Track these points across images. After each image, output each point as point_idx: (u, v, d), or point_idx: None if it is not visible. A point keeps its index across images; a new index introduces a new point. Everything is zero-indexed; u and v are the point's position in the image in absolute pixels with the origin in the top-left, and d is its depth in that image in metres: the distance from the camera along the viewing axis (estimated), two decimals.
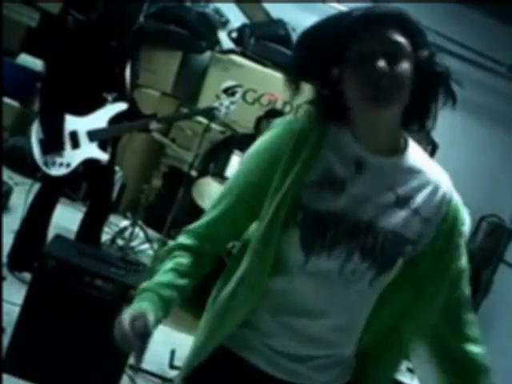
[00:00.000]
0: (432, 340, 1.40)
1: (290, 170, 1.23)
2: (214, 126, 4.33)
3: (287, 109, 5.55)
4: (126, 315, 1.22)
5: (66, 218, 4.16)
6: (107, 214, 3.71)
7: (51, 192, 3.44)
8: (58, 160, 3.28)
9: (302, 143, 1.25)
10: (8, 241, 3.39)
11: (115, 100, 3.37)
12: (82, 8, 5.26)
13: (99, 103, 3.32)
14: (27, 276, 3.26)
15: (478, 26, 6.07)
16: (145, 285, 1.29)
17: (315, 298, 1.27)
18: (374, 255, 1.24)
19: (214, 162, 4.16)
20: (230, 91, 3.82)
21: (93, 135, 3.33)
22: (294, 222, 1.24)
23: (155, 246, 4.37)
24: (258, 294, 1.28)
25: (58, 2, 5.55)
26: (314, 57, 1.25)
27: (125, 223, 4.69)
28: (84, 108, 3.30)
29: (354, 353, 1.37)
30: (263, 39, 5.67)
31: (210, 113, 3.85)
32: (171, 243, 1.37)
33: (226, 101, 3.76)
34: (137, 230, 4.45)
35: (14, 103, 5.33)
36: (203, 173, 4.10)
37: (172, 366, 3.14)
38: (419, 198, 1.28)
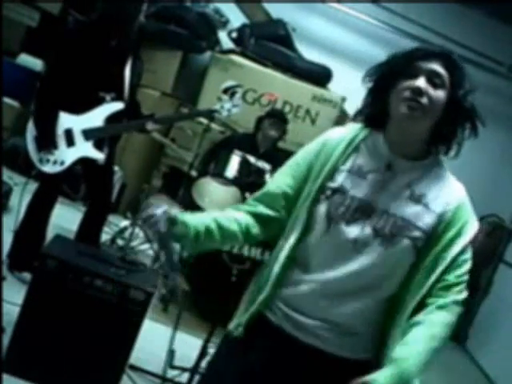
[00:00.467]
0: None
1: (329, 161, 1.59)
2: (214, 126, 4.33)
3: (287, 108, 5.56)
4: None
5: (66, 218, 4.16)
6: (106, 215, 3.71)
7: (48, 191, 3.44)
8: (52, 157, 3.28)
9: (346, 145, 1.61)
10: (8, 241, 3.39)
11: (113, 100, 3.37)
12: (82, 8, 5.26)
13: (96, 103, 3.32)
14: (27, 276, 3.26)
15: (478, 26, 6.07)
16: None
17: (331, 264, 1.55)
18: (383, 234, 1.52)
19: (213, 161, 4.16)
20: (230, 91, 3.82)
21: (88, 134, 3.32)
22: (324, 198, 1.56)
23: (155, 246, 4.36)
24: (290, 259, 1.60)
25: (57, 2, 5.55)
26: (377, 84, 1.58)
27: (125, 223, 4.69)
28: (81, 107, 3.30)
29: (371, 331, 1.59)
30: (263, 39, 5.67)
31: (209, 115, 3.84)
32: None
33: (227, 104, 3.75)
34: (137, 230, 4.45)
35: (14, 103, 5.33)
36: (203, 173, 4.11)
37: (172, 366, 3.14)
38: (431, 196, 1.56)
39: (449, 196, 1.57)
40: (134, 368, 2.93)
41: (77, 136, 3.32)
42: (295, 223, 1.60)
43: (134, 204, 5.28)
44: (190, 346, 3.13)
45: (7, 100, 5.22)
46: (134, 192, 5.45)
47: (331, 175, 1.58)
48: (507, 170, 6.20)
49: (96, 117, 3.33)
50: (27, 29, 5.60)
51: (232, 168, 3.94)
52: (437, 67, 1.52)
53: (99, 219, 3.66)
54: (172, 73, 5.68)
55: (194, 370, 2.84)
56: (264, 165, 3.95)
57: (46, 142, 3.26)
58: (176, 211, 1.54)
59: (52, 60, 3.38)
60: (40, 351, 2.57)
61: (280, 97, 5.55)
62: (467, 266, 1.61)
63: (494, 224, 6.07)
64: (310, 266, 1.59)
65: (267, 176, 4.01)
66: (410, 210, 1.54)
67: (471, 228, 1.57)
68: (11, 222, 3.44)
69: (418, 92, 1.49)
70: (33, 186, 3.45)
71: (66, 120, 3.29)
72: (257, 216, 1.64)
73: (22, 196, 3.35)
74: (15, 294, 2.82)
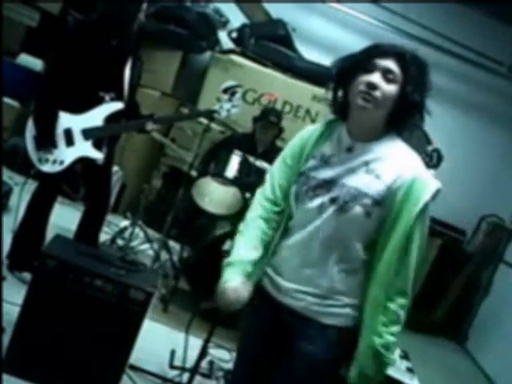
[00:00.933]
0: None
1: (303, 152, 1.87)
2: (214, 126, 4.33)
3: (287, 108, 5.56)
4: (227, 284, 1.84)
5: (66, 218, 4.16)
6: (105, 215, 3.70)
7: (48, 191, 3.44)
8: (52, 157, 3.28)
9: (316, 138, 1.89)
10: (8, 241, 3.39)
11: (113, 100, 3.37)
12: (82, 8, 5.26)
13: (96, 102, 3.32)
14: (27, 276, 3.26)
15: (478, 26, 6.07)
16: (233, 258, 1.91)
17: (301, 228, 1.83)
18: (338, 202, 1.75)
19: (213, 162, 4.16)
20: (229, 91, 3.82)
21: (87, 133, 3.32)
22: (294, 181, 1.86)
23: (155, 245, 4.37)
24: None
25: (57, 2, 5.55)
26: (340, 75, 1.81)
27: (125, 223, 4.69)
28: (80, 106, 3.29)
29: (346, 298, 1.79)
30: (263, 39, 5.67)
31: (208, 115, 3.85)
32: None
33: (226, 104, 3.76)
34: (137, 230, 4.45)
35: (14, 103, 5.33)
36: (203, 173, 4.10)
37: (172, 366, 3.14)
38: (383, 168, 1.75)
39: (401, 170, 1.73)
40: (134, 368, 2.93)
41: (76, 136, 3.32)
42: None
43: (134, 204, 5.28)
44: (190, 346, 3.13)
45: (7, 100, 5.22)
46: (134, 192, 5.46)
47: (304, 164, 1.86)
48: (507, 170, 6.21)
49: (95, 116, 3.33)
50: (27, 29, 5.60)
51: (232, 168, 3.93)
52: (391, 64, 1.72)
53: (98, 219, 3.66)
54: (172, 73, 5.68)
55: (194, 370, 2.85)
56: (264, 164, 3.95)
57: (46, 141, 3.26)
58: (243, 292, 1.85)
59: (52, 60, 3.38)
60: (40, 351, 2.57)
61: (280, 97, 5.55)
62: (418, 243, 1.73)
63: (494, 224, 6.08)
64: (288, 235, 1.88)
65: (267, 176, 4.01)
66: (362, 181, 1.74)
67: (427, 194, 1.71)
68: (11, 222, 3.44)
69: (372, 86, 1.70)
70: (32, 185, 3.45)
71: (65, 119, 3.29)
72: (270, 220, 1.93)
73: (20, 196, 3.35)
74: (15, 294, 2.82)
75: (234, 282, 1.83)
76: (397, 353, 3.23)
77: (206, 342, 2.83)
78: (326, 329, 1.79)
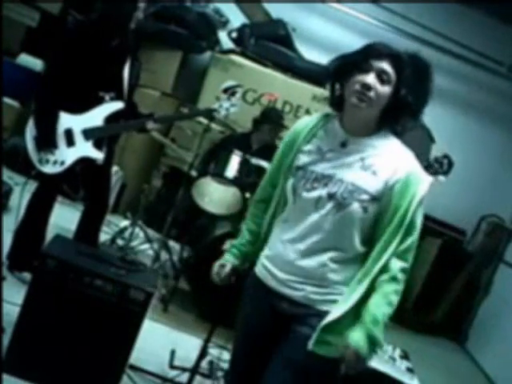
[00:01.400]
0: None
1: (295, 145, 1.94)
2: (213, 126, 4.33)
3: (287, 108, 5.56)
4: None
5: (66, 218, 4.16)
6: (104, 215, 3.70)
7: (48, 191, 3.44)
8: (52, 158, 3.27)
9: (309, 130, 1.95)
10: (8, 241, 3.39)
11: (112, 100, 3.37)
12: (82, 8, 5.26)
13: (96, 102, 3.32)
14: (27, 276, 3.26)
15: (478, 26, 6.07)
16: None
17: (297, 222, 1.88)
18: (336, 197, 1.81)
19: (213, 162, 4.16)
20: (229, 91, 3.82)
21: (88, 134, 3.32)
22: (291, 175, 1.91)
23: (155, 246, 4.37)
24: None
25: (57, 2, 5.55)
26: (337, 73, 1.90)
27: (125, 223, 4.69)
28: (80, 106, 3.29)
29: (340, 286, 1.85)
30: (263, 39, 5.67)
31: (208, 114, 3.84)
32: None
33: (225, 103, 3.76)
34: (137, 230, 4.45)
35: (14, 103, 5.33)
36: (203, 173, 4.10)
37: (172, 366, 3.14)
38: (379, 164, 1.81)
39: (396, 166, 1.80)
40: (134, 368, 2.93)
41: (77, 136, 3.32)
42: (273, 199, 2.01)
43: (134, 204, 5.28)
44: (190, 345, 3.13)
45: (7, 100, 5.22)
46: (134, 192, 5.46)
47: (296, 156, 1.92)
48: (507, 170, 6.21)
49: (96, 116, 3.33)
50: (27, 29, 5.60)
51: (232, 168, 3.93)
52: (385, 66, 1.78)
53: (97, 219, 3.66)
54: (172, 73, 5.68)
55: (194, 370, 2.85)
56: (263, 163, 3.95)
57: (46, 141, 3.26)
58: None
59: (52, 60, 3.38)
60: (40, 351, 2.57)
61: (280, 97, 5.55)
62: (415, 235, 1.81)
63: (494, 224, 6.08)
64: (285, 229, 1.93)
65: None
66: (360, 177, 1.81)
67: (421, 190, 1.79)
68: (11, 222, 3.44)
69: (367, 87, 1.77)
70: (32, 185, 3.45)
71: (65, 120, 3.29)
72: (258, 207, 2.10)
73: (21, 196, 3.35)
74: (15, 294, 2.82)
75: (223, 261, 2.11)
76: (397, 353, 3.23)
77: (206, 342, 2.83)
78: (323, 314, 1.83)
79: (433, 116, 3.12)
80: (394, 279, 1.79)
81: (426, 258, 5.76)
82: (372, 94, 1.77)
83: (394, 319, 1.91)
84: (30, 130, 3.29)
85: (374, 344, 1.77)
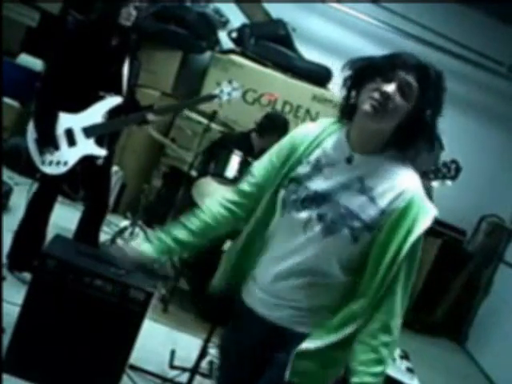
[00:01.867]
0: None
1: (294, 154, 1.73)
2: (213, 126, 4.33)
3: (287, 108, 5.56)
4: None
5: (66, 218, 4.16)
6: (104, 214, 3.70)
7: (48, 191, 3.43)
8: (55, 159, 3.27)
9: (311, 141, 1.74)
10: (8, 241, 3.39)
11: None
12: (82, 8, 5.26)
13: (95, 102, 3.32)
14: (27, 276, 3.26)
15: (478, 26, 6.07)
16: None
17: (283, 243, 1.73)
18: (325, 220, 1.64)
19: (213, 161, 4.15)
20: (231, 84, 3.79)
21: (89, 131, 3.32)
22: (283, 187, 1.73)
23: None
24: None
25: (57, 2, 5.55)
26: (357, 77, 1.66)
27: (125, 223, 4.69)
28: (80, 106, 3.29)
29: (320, 311, 1.71)
30: (263, 39, 5.66)
31: (210, 100, 3.78)
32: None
33: (226, 87, 3.70)
34: (137, 230, 4.45)
35: (14, 103, 5.33)
36: (203, 173, 4.10)
37: (172, 366, 3.14)
38: (379, 190, 1.62)
39: (398, 193, 1.60)
40: (134, 368, 2.93)
41: (77, 135, 3.31)
42: (257, 209, 1.81)
43: (134, 204, 5.28)
44: (190, 345, 3.13)
45: (7, 100, 5.22)
46: (134, 192, 5.45)
47: (295, 167, 1.73)
48: (507, 170, 6.21)
49: (95, 113, 3.32)
50: (27, 29, 5.60)
51: (232, 168, 3.93)
52: (410, 79, 1.58)
53: (97, 219, 3.66)
54: (172, 73, 5.68)
55: (194, 370, 2.85)
56: None
57: (46, 141, 3.26)
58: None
59: (52, 60, 3.38)
60: (40, 351, 2.57)
61: (280, 97, 5.54)
62: (402, 283, 1.62)
63: (494, 224, 6.08)
64: (269, 246, 1.78)
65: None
66: (355, 201, 1.62)
67: (421, 225, 1.58)
68: (11, 222, 3.44)
69: (386, 96, 1.57)
70: (32, 185, 3.45)
71: (65, 120, 3.29)
72: (221, 210, 1.92)
73: (27, 198, 3.34)
74: (15, 294, 2.82)
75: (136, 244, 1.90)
76: (397, 353, 3.23)
77: (206, 342, 2.83)
78: (303, 337, 1.70)
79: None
80: (375, 362, 1.58)
81: (426, 258, 5.76)
82: (390, 105, 1.56)
83: None
84: (31, 132, 3.29)
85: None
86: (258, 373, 1.79)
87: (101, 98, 3.32)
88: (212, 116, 3.86)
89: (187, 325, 3.72)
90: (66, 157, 3.29)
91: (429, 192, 2.16)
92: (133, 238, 4.38)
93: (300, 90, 5.61)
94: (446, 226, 6.03)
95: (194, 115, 4.64)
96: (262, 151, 4.32)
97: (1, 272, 3.08)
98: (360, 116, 1.62)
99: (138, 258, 1.84)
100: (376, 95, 1.57)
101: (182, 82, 5.85)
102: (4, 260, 3.38)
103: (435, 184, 3.04)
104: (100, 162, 3.39)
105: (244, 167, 3.95)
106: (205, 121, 4.16)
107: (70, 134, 3.30)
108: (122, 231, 4.57)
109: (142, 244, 1.86)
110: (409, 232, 1.57)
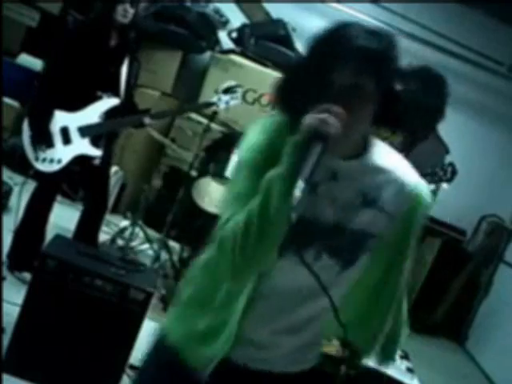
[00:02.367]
0: None
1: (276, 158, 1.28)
2: (213, 126, 4.33)
3: None
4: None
5: (66, 218, 4.16)
6: (103, 214, 3.70)
7: (47, 190, 3.44)
8: (49, 156, 3.27)
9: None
10: (8, 241, 3.39)
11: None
12: (82, 8, 5.26)
13: (93, 101, 3.32)
14: (27, 276, 3.26)
15: (478, 26, 6.07)
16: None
17: (288, 295, 1.38)
18: (341, 253, 1.35)
19: (213, 161, 4.16)
20: (229, 91, 3.81)
21: (84, 131, 3.32)
22: None
23: (155, 246, 4.37)
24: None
25: (57, 2, 5.55)
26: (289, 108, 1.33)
27: (125, 223, 4.68)
28: (78, 106, 3.30)
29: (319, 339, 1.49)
30: (263, 39, 5.67)
31: (206, 108, 3.83)
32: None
33: (225, 96, 3.74)
34: (137, 229, 4.45)
35: (14, 103, 5.33)
36: (203, 173, 4.11)
37: None
38: (385, 196, 1.36)
39: (402, 193, 1.37)
40: (134, 368, 2.93)
41: (73, 134, 3.32)
42: None
43: (134, 204, 5.28)
44: None
45: (7, 100, 5.22)
46: (134, 192, 5.45)
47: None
48: (507, 170, 6.21)
49: (91, 113, 3.33)
50: (27, 29, 5.60)
51: (232, 168, 3.93)
52: (357, 78, 1.22)
53: (97, 219, 3.66)
54: (172, 73, 5.68)
55: None
56: None
57: (39, 136, 3.25)
58: None
59: (51, 60, 3.39)
60: (40, 351, 2.57)
61: None
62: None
63: (494, 224, 6.08)
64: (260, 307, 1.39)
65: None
66: (365, 218, 1.34)
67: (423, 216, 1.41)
68: (11, 222, 3.43)
69: (342, 117, 1.23)
70: (32, 185, 3.45)
71: (61, 118, 3.29)
72: None
73: (20, 196, 3.35)
74: (15, 294, 2.82)
75: None
76: (397, 353, 3.23)
77: None
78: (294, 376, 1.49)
79: None
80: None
81: (426, 258, 5.76)
82: (344, 125, 1.21)
83: None
84: (26, 130, 3.29)
85: None
86: None
87: (98, 97, 3.33)
88: (212, 116, 3.87)
89: None
90: (60, 155, 3.29)
91: (435, 193, 2.10)
92: (133, 238, 4.39)
93: None
94: (446, 225, 6.04)
95: (194, 115, 4.64)
96: None
97: (1, 272, 3.08)
98: None
99: None
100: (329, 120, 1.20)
101: (182, 82, 5.85)
102: (4, 260, 3.38)
103: (445, 186, 3.02)
104: (97, 162, 3.39)
105: None
106: (205, 121, 4.16)
107: (65, 132, 3.31)
108: (122, 231, 4.57)
109: None
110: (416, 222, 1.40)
